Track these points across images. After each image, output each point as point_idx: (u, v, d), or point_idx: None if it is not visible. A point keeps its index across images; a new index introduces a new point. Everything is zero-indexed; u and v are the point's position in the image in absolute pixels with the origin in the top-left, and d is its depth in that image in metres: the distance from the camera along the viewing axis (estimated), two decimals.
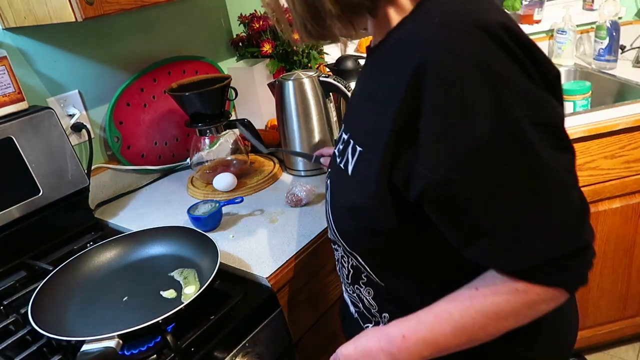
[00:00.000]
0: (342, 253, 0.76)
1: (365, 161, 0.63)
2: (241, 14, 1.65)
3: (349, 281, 0.78)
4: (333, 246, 0.80)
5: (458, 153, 0.52)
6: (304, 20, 0.63)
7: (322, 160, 1.14)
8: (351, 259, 0.73)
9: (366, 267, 0.71)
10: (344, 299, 0.86)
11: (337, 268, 0.82)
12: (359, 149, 0.64)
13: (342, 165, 0.68)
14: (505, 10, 2.01)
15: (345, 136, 0.70)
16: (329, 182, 0.75)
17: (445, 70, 0.52)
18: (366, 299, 0.76)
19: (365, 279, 0.74)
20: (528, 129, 0.51)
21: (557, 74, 0.57)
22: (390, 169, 0.58)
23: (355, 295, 0.78)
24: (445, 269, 0.65)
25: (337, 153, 0.72)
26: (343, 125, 0.74)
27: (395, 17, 0.61)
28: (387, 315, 0.74)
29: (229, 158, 1.40)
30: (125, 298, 0.92)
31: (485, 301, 0.58)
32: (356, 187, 0.64)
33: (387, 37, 0.62)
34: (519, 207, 0.53)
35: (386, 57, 0.61)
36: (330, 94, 1.32)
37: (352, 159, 0.66)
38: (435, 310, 0.61)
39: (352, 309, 0.82)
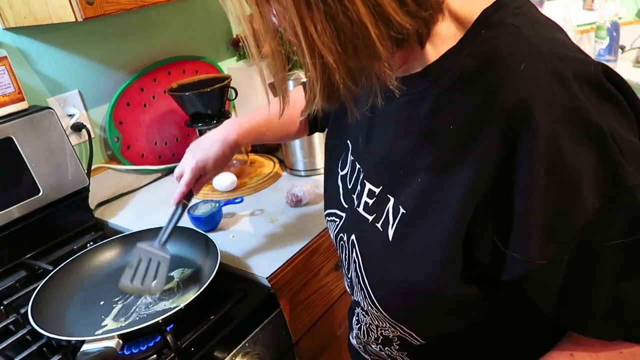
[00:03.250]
0: (372, 321, 0.65)
1: (420, 229, 0.52)
2: None
3: (377, 343, 0.67)
4: (356, 309, 0.70)
5: (565, 236, 0.45)
6: (336, 71, 0.45)
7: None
8: (385, 329, 0.64)
9: (412, 334, 0.60)
10: (356, 349, 0.77)
11: (356, 326, 0.72)
12: (402, 210, 0.54)
13: (378, 226, 0.57)
14: None
15: (374, 189, 0.59)
16: (353, 239, 0.62)
17: (545, 134, 0.43)
18: (399, 357, 0.67)
19: (398, 346, 0.65)
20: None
21: None
22: (466, 242, 0.49)
23: (383, 353, 0.69)
24: (514, 327, 0.59)
25: (361, 205, 0.61)
26: (361, 168, 0.62)
27: (432, 49, 0.50)
28: None
29: None
30: (125, 298, 0.92)
31: None
32: (414, 265, 0.53)
33: (426, 69, 0.51)
34: (630, 282, 0.46)
35: (440, 99, 0.50)
36: None
37: (394, 221, 0.55)
38: None
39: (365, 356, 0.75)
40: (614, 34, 1.74)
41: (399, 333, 0.62)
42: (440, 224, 0.50)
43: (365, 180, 0.61)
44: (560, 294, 0.48)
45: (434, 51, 0.50)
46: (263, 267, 0.97)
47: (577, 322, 0.51)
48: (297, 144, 1.32)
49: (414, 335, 0.60)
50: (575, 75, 0.43)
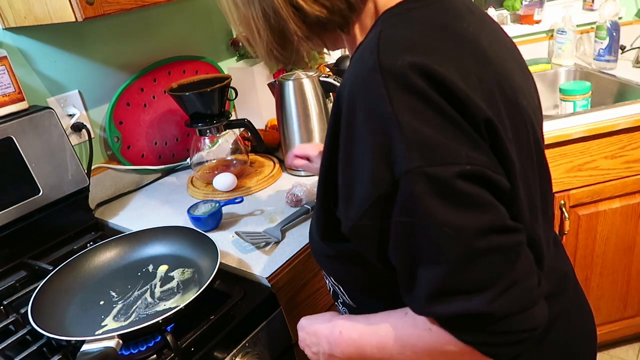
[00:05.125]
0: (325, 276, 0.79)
1: (318, 194, 0.64)
2: None
3: (334, 299, 0.80)
4: None
5: (362, 201, 0.52)
6: (270, 46, 0.62)
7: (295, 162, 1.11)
8: (330, 281, 0.76)
9: (340, 287, 0.73)
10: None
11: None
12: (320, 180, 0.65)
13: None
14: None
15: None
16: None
17: (347, 112, 0.52)
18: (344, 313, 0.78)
19: (341, 300, 0.76)
20: (420, 184, 0.48)
21: (487, 118, 0.51)
22: (327, 204, 0.60)
23: (340, 312, 0.80)
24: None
25: None
26: None
27: (359, 37, 0.61)
28: None
29: (229, 158, 1.40)
30: (125, 298, 0.92)
31: (405, 329, 0.59)
32: (315, 220, 0.67)
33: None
34: (416, 262, 0.52)
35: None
36: (330, 94, 1.32)
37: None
38: (370, 319, 0.63)
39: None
40: (614, 34, 1.74)
41: (335, 287, 0.75)
42: (319, 190, 0.62)
43: None
44: (379, 257, 0.56)
45: (359, 40, 0.61)
46: (263, 267, 0.97)
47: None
48: (297, 144, 1.32)
49: (341, 289, 0.73)
50: (381, 67, 0.50)
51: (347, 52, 0.69)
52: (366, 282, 0.67)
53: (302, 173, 1.34)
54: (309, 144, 1.13)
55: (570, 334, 0.69)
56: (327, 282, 0.79)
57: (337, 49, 0.68)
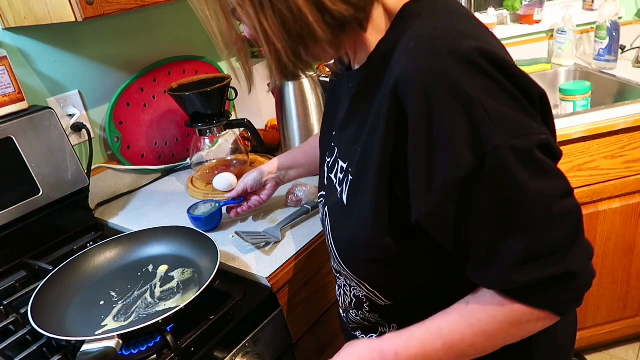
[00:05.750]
0: (345, 282, 0.75)
1: (359, 192, 0.62)
2: None
3: (352, 307, 0.76)
4: (336, 275, 0.79)
5: (443, 186, 0.52)
6: (284, 54, 0.56)
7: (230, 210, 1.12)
8: (354, 288, 0.72)
9: (376, 293, 0.69)
10: (341, 320, 0.85)
11: (338, 293, 0.81)
12: (350, 177, 0.64)
13: (339, 195, 0.67)
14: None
15: (344, 165, 0.68)
16: (327, 210, 0.72)
17: (421, 99, 0.51)
18: (373, 319, 0.75)
19: (368, 307, 0.73)
20: (509, 156, 0.50)
21: (542, 94, 0.55)
22: (387, 200, 0.58)
23: (358, 318, 0.77)
24: (454, 286, 0.64)
25: (335, 181, 0.70)
26: (337, 150, 0.72)
27: (372, 38, 0.60)
28: (395, 325, 0.73)
29: (229, 158, 1.40)
30: (125, 298, 0.92)
31: (472, 317, 0.58)
32: (355, 221, 0.63)
33: (368, 60, 0.61)
34: (502, 235, 0.53)
35: (370, 83, 0.60)
36: None
37: (346, 187, 0.65)
38: (427, 326, 0.61)
39: (353, 332, 0.81)
40: (614, 34, 1.74)
41: (364, 292, 0.70)
42: (369, 185, 0.59)
43: (339, 159, 0.70)
44: (455, 241, 0.56)
45: (373, 42, 0.60)
46: (263, 267, 0.97)
47: (469, 266, 0.58)
48: (296, 144, 1.32)
49: (377, 294, 0.69)
50: (450, 52, 0.51)
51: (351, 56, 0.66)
52: (407, 277, 0.65)
53: None
54: (225, 186, 1.21)
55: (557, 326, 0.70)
56: (348, 291, 0.75)
57: (344, 53, 0.66)
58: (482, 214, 0.53)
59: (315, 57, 0.60)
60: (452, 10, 0.58)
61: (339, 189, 0.68)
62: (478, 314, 0.58)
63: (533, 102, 0.54)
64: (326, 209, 0.72)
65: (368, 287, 0.69)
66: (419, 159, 0.53)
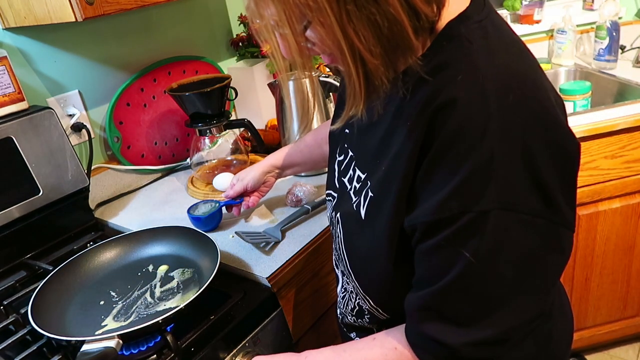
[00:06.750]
0: (352, 289, 0.74)
1: (379, 213, 0.61)
2: (241, 14, 1.66)
3: (352, 314, 0.77)
4: (342, 276, 0.78)
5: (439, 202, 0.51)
6: (376, 72, 0.49)
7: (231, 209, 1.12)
8: (360, 299, 0.72)
9: (379, 309, 0.69)
10: (339, 322, 0.86)
11: (342, 296, 0.80)
12: (370, 194, 0.62)
13: (355, 207, 0.66)
14: (506, 10, 2.01)
15: (361, 175, 0.66)
16: (339, 216, 0.71)
17: (477, 133, 0.48)
18: (370, 326, 0.76)
19: (368, 319, 0.74)
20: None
21: (577, 146, 0.54)
22: (399, 227, 0.57)
23: (356, 324, 0.78)
24: None
25: (349, 187, 0.69)
26: (352, 154, 0.70)
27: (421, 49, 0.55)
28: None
29: (229, 158, 1.40)
30: (125, 298, 0.92)
31: (371, 351, 0.63)
32: (371, 238, 0.62)
33: (403, 72, 0.55)
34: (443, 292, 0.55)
35: (400, 95, 0.55)
36: (330, 94, 1.32)
37: (365, 202, 0.63)
38: (337, 348, 0.67)
39: (349, 334, 0.82)
40: (614, 34, 1.74)
41: (368, 306, 0.70)
42: (388, 207, 0.57)
43: (356, 167, 0.68)
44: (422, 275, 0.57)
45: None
46: (263, 267, 0.97)
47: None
48: None
49: (380, 311, 0.69)
50: (497, 92, 0.48)
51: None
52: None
53: (303, 173, 1.34)
54: (225, 184, 1.20)
55: (553, 332, 0.70)
56: (353, 298, 0.75)
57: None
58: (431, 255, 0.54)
59: (396, 73, 0.53)
60: (502, 37, 0.55)
61: (355, 199, 0.66)
62: (378, 349, 0.63)
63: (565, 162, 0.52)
64: (338, 215, 0.71)
65: (372, 303, 0.69)
66: (433, 173, 0.51)
